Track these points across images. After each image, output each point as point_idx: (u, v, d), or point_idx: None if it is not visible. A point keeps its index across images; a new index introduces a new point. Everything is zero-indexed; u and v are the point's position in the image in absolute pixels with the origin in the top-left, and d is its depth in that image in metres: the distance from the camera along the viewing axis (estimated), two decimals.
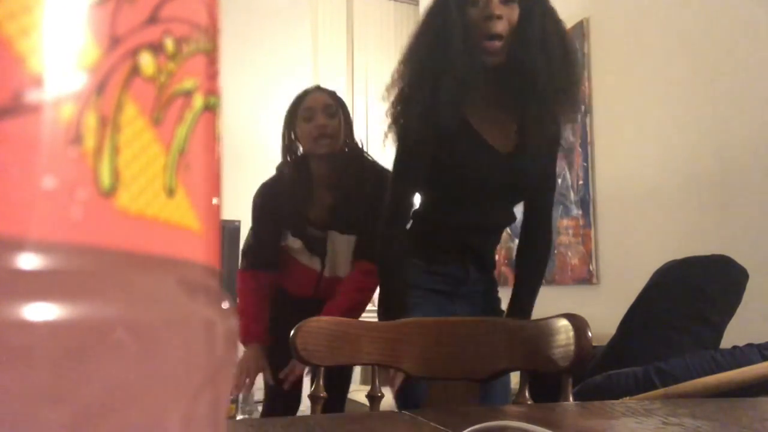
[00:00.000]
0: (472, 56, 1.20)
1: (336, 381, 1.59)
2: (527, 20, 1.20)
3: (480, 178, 1.28)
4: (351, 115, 1.78)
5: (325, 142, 1.63)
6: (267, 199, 1.74)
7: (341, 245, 1.71)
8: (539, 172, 1.35)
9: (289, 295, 1.78)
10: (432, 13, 1.28)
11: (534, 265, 1.44)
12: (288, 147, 1.72)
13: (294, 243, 1.72)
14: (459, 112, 1.24)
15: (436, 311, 1.31)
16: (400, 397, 1.24)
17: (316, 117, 1.64)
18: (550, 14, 1.26)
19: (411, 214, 1.38)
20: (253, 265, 1.74)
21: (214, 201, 0.16)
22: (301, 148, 1.71)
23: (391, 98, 1.30)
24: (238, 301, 1.75)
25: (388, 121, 1.31)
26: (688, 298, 1.42)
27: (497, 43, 1.19)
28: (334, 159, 1.67)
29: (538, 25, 1.20)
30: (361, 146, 1.77)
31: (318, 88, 1.75)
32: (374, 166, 1.72)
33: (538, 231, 1.46)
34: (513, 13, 1.20)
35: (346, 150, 1.71)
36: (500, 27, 1.19)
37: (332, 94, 1.73)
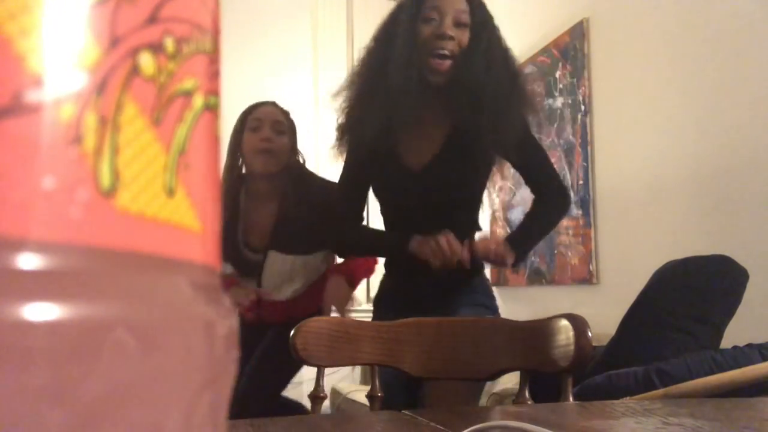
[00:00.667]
0: (412, 73, 1.24)
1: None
2: (475, 44, 1.25)
3: (398, 198, 1.36)
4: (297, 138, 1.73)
5: (266, 157, 1.58)
6: None
7: (283, 265, 1.65)
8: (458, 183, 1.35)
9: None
10: (383, 27, 1.33)
11: (543, 207, 1.44)
12: (230, 166, 1.66)
13: (225, 269, 1.64)
14: (387, 133, 1.27)
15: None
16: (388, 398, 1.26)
17: (263, 129, 1.60)
18: (498, 41, 1.31)
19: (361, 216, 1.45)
20: None
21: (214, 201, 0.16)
22: (243, 169, 1.66)
23: (339, 106, 1.36)
24: None
25: (335, 133, 1.37)
26: (688, 299, 1.42)
27: (446, 62, 1.24)
28: (273, 178, 1.63)
29: (484, 50, 1.26)
30: (303, 162, 1.72)
31: (272, 104, 1.71)
32: (316, 181, 1.68)
33: (543, 192, 1.45)
34: (464, 36, 1.25)
35: (288, 169, 1.66)
36: (450, 46, 1.24)
37: (285, 113, 1.69)
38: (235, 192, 1.66)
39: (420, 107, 1.28)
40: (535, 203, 1.46)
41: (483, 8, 1.29)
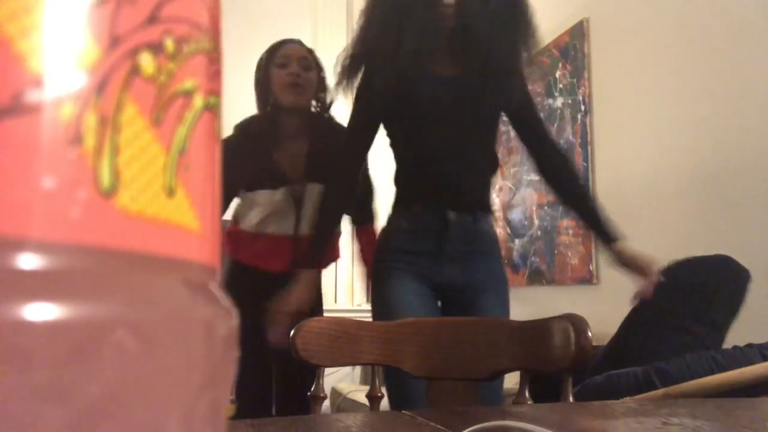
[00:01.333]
0: (431, 16, 1.32)
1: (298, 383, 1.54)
2: None
3: (429, 99, 1.35)
4: (326, 78, 1.76)
5: (296, 90, 1.62)
6: (229, 156, 1.69)
7: (314, 195, 1.63)
8: (497, 92, 1.39)
9: (255, 272, 1.65)
10: None
11: (569, 183, 1.49)
12: (263, 97, 1.70)
13: (262, 199, 1.63)
14: (420, 61, 1.33)
15: (420, 278, 1.33)
16: (394, 396, 1.24)
17: (291, 65, 1.65)
18: None
19: (364, 156, 1.47)
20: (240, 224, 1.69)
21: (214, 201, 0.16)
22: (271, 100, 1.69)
23: (351, 50, 1.41)
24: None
25: (344, 64, 1.41)
26: (690, 299, 1.42)
27: (449, 10, 1.31)
28: (303, 113, 1.67)
29: None
30: (332, 101, 1.75)
31: (298, 41, 1.75)
32: (341, 125, 1.70)
33: (544, 148, 1.47)
34: None
35: (317, 107, 1.71)
36: None
37: (311, 51, 1.74)
38: (276, 125, 1.68)
39: (438, 48, 1.35)
40: (555, 179, 1.49)
41: None
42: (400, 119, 1.40)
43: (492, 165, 1.46)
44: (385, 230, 1.45)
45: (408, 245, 1.36)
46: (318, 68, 1.74)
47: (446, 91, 1.35)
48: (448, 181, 1.36)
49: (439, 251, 1.36)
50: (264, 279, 1.61)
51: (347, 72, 1.41)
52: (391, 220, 1.43)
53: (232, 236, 1.71)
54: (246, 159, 1.64)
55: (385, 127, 1.45)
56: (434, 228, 1.36)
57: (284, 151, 1.67)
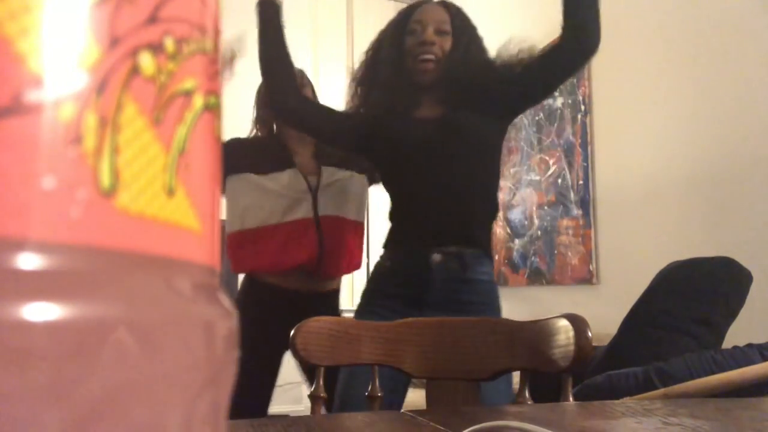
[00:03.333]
0: (401, 75, 1.38)
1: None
2: (456, 46, 1.38)
3: (408, 140, 1.36)
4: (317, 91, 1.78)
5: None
6: (238, 145, 1.66)
7: (328, 177, 1.62)
8: (480, 127, 1.38)
9: (277, 291, 1.59)
10: (374, 43, 1.49)
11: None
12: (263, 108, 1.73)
13: (270, 183, 1.58)
14: (397, 111, 1.39)
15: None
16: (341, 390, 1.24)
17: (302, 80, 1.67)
18: (478, 44, 1.43)
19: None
20: (251, 222, 1.62)
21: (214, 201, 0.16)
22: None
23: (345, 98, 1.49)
24: None
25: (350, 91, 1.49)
26: (691, 300, 1.42)
27: (430, 65, 1.36)
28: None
29: (464, 50, 1.38)
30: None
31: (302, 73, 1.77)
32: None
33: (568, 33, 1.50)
34: (446, 42, 1.38)
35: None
36: (433, 50, 1.36)
37: (301, 71, 1.74)
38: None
39: (413, 103, 1.40)
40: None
41: (462, 16, 1.43)
42: (383, 158, 1.42)
43: (490, 207, 1.40)
44: (373, 270, 1.41)
45: (390, 288, 1.32)
46: (310, 85, 1.75)
47: (426, 131, 1.35)
48: (434, 220, 1.31)
49: (419, 298, 1.29)
50: (285, 298, 1.57)
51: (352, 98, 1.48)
52: (379, 259, 1.40)
53: (243, 241, 1.61)
54: (249, 145, 1.65)
55: (375, 166, 1.49)
56: (415, 271, 1.30)
57: (293, 150, 1.67)
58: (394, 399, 1.24)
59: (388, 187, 1.43)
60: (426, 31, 1.37)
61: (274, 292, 1.59)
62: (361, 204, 1.73)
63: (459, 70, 1.36)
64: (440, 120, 1.35)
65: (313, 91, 1.76)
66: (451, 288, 1.28)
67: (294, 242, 1.57)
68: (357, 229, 1.70)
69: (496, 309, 1.32)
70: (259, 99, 1.75)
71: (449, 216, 1.31)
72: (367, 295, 1.37)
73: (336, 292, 1.71)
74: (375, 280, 1.37)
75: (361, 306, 1.37)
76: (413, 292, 1.29)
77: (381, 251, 1.41)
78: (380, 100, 1.40)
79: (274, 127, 1.71)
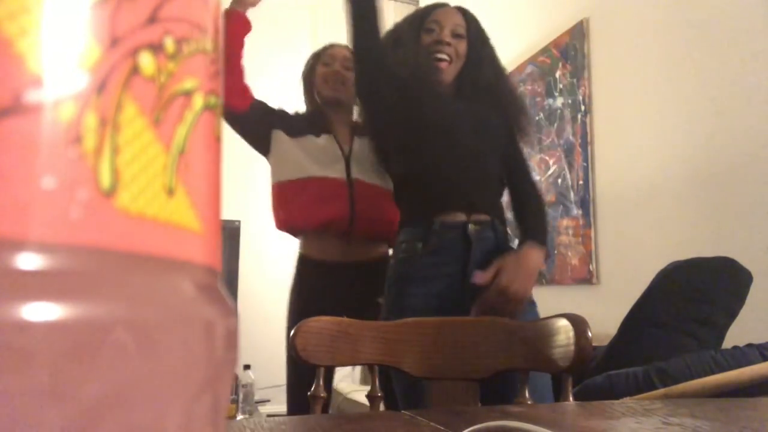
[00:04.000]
0: (419, 68, 1.39)
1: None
2: (472, 54, 1.42)
3: (436, 109, 1.37)
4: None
5: (337, 85, 1.71)
6: (282, 111, 1.72)
7: (362, 145, 1.63)
8: (503, 116, 1.42)
9: (325, 266, 1.60)
10: (390, 35, 1.48)
11: (528, 198, 1.40)
12: (309, 92, 1.79)
13: (306, 143, 1.62)
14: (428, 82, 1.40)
15: (440, 309, 1.20)
16: (402, 399, 1.22)
17: (334, 64, 1.73)
18: (493, 56, 1.47)
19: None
20: (289, 174, 1.65)
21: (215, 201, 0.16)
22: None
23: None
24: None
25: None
26: (691, 300, 1.42)
27: (444, 63, 1.38)
28: (346, 108, 1.74)
29: (479, 55, 1.43)
30: None
31: (344, 46, 1.82)
32: None
33: (523, 185, 1.43)
34: (460, 45, 1.41)
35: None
36: (448, 50, 1.39)
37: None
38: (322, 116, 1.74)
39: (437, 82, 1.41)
40: (521, 202, 1.41)
41: (477, 24, 1.46)
42: (407, 128, 1.38)
43: (502, 181, 1.42)
44: (397, 254, 1.33)
45: (429, 270, 1.25)
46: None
47: (453, 105, 1.39)
48: (465, 188, 1.30)
49: (462, 273, 1.25)
50: (332, 273, 1.58)
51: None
52: (404, 241, 1.31)
53: (280, 194, 1.64)
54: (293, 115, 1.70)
55: (390, 142, 1.44)
56: (456, 246, 1.26)
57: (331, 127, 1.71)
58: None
59: (409, 162, 1.38)
60: (443, 31, 1.40)
61: (320, 269, 1.61)
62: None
63: (475, 74, 1.40)
64: (467, 101, 1.40)
65: None
66: (489, 259, 1.26)
67: (326, 199, 1.58)
68: (389, 195, 1.63)
69: None
70: (306, 80, 1.80)
71: (478, 184, 1.33)
72: (399, 284, 1.28)
73: (383, 261, 1.62)
74: (406, 266, 1.28)
75: (394, 295, 1.27)
76: (455, 269, 1.25)
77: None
78: (408, 71, 1.39)
79: (317, 99, 1.76)
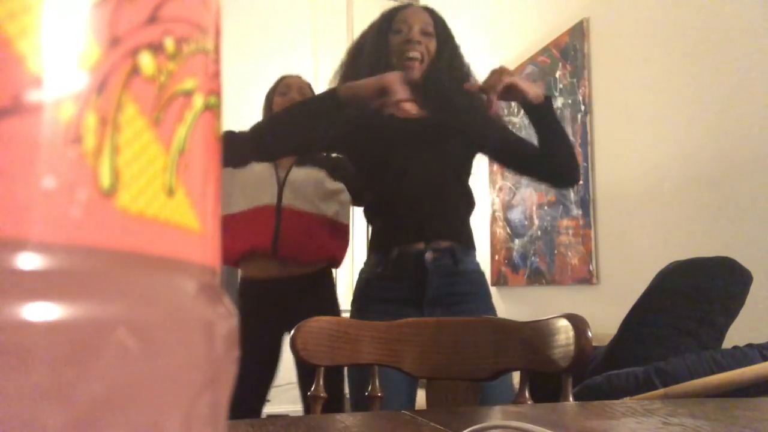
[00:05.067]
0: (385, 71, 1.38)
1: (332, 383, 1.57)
2: (441, 52, 1.41)
3: (393, 138, 1.37)
4: None
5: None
6: (230, 134, 1.77)
7: (301, 174, 1.75)
8: (460, 130, 1.41)
9: (253, 280, 1.75)
10: (356, 44, 1.50)
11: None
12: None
13: (244, 174, 1.72)
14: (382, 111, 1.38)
15: None
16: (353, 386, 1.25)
17: (290, 93, 1.81)
18: (457, 50, 1.46)
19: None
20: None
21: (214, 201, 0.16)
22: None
23: None
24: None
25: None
26: (691, 300, 1.42)
27: (416, 63, 1.38)
28: None
29: (449, 59, 1.42)
30: None
31: (297, 76, 1.92)
32: None
33: (533, 151, 1.43)
34: (430, 43, 1.40)
35: None
36: (419, 49, 1.39)
37: (308, 84, 1.92)
38: None
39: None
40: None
41: (444, 23, 1.46)
42: (366, 156, 1.41)
43: (467, 202, 1.42)
44: (361, 275, 1.40)
45: (385, 293, 1.32)
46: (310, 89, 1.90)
47: (409, 129, 1.38)
48: (420, 217, 1.32)
49: (418, 298, 1.30)
50: (263, 288, 1.72)
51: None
52: (367, 265, 1.39)
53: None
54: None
55: (356, 166, 1.48)
56: (412, 274, 1.31)
57: None
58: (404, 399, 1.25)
59: (371, 186, 1.43)
60: (412, 30, 1.39)
61: (256, 286, 1.75)
62: (340, 204, 1.82)
63: (444, 74, 1.39)
64: (423, 119, 1.39)
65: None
66: (447, 282, 1.31)
67: (250, 228, 1.71)
68: (327, 223, 1.78)
69: (487, 296, 1.37)
70: (266, 104, 1.88)
71: (435, 212, 1.34)
72: (360, 300, 1.36)
73: (320, 273, 1.78)
74: (367, 287, 1.36)
75: (356, 312, 1.36)
76: (411, 294, 1.31)
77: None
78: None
79: None
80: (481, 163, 1.58)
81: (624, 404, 0.73)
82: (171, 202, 0.14)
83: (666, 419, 0.61)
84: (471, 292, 1.33)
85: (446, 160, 1.37)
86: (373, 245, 1.39)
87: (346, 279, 3.84)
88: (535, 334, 0.94)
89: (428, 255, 1.30)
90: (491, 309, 1.37)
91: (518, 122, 3.13)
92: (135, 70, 0.13)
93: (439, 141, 1.37)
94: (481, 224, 3.47)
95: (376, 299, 1.32)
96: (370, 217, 1.43)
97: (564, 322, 0.90)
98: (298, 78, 1.91)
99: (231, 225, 1.71)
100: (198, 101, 0.15)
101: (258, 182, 1.73)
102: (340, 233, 1.82)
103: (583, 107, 2.79)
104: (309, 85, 1.90)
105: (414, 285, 1.30)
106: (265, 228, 1.70)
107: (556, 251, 2.94)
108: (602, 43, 2.73)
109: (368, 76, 1.33)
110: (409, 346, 1.02)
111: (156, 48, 0.14)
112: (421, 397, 1.19)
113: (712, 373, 1.15)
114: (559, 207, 2.91)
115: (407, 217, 1.33)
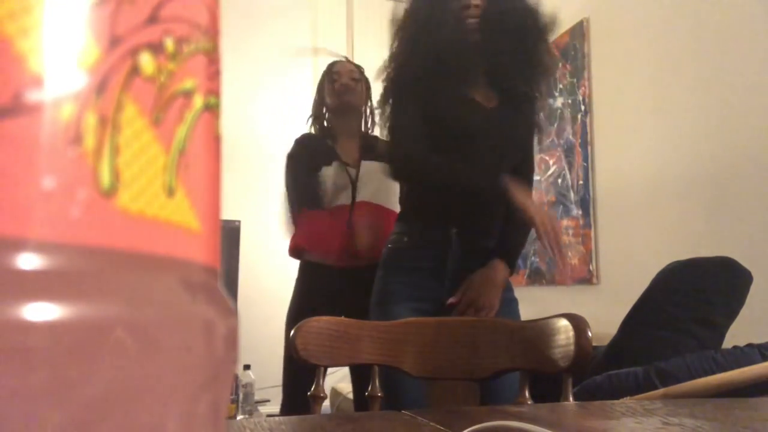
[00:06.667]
0: (452, 31, 1.35)
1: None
2: (494, 4, 1.37)
3: (464, 128, 1.36)
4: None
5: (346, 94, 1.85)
6: (299, 146, 1.87)
7: (374, 167, 1.79)
8: (521, 133, 1.42)
9: (320, 268, 1.79)
10: (406, 17, 1.44)
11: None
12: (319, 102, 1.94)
13: (326, 173, 1.79)
14: (460, 88, 1.37)
15: (419, 301, 1.31)
16: (392, 397, 1.24)
17: (341, 78, 1.87)
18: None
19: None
20: (305, 206, 1.81)
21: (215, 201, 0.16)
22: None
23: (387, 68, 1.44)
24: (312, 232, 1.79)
25: (382, 81, 1.44)
26: (691, 300, 1.42)
27: (475, 21, 1.35)
28: (354, 114, 1.89)
29: (502, 9, 1.37)
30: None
31: (347, 60, 2.00)
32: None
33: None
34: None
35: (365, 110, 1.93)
36: (475, 12, 1.35)
37: (358, 66, 1.99)
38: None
39: (470, 61, 1.38)
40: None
41: None
42: (433, 139, 1.38)
43: (505, 204, 1.40)
44: (388, 246, 1.43)
45: (411, 262, 1.36)
46: (366, 82, 1.95)
47: (484, 119, 1.38)
48: (462, 208, 1.35)
49: (440, 268, 1.35)
50: (333, 275, 1.76)
51: (389, 95, 1.43)
52: (394, 235, 1.42)
53: (304, 221, 1.82)
54: (313, 145, 1.86)
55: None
56: (436, 244, 1.35)
57: (339, 146, 1.86)
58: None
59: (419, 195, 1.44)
60: None
61: (321, 270, 1.79)
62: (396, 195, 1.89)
63: (500, 19, 1.36)
64: (494, 111, 1.39)
65: (368, 88, 1.95)
66: (469, 257, 1.35)
67: (335, 226, 1.77)
68: (392, 216, 1.80)
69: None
70: (317, 97, 1.95)
71: (478, 206, 1.36)
72: (384, 268, 1.39)
73: (371, 267, 1.78)
74: (393, 254, 1.39)
75: (379, 279, 1.39)
76: (433, 264, 1.35)
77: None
78: (441, 82, 1.35)
79: (325, 122, 1.93)
80: None
81: (624, 404, 0.73)
82: (171, 202, 0.14)
83: (666, 419, 0.61)
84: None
85: (506, 155, 1.40)
86: (402, 217, 1.43)
87: None
88: (535, 334, 0.94)
89: (454, 231, 1.35)
90: (509, 288, 1.42)
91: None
92: (135, 70, 0.13)
93: (507, 134, 1.38)
94: None
95: (402, 269, 1.35)
96: (407, 196, 1.46)
97: (564, 322, 0.90)
98: (347, 63, 1.94)
99: (319, 219, 1.78)
100: (198, 101, 0.15)
101: (335, 182, 1.79)
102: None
103: (583, 107, 2.79)
104: (359, 68, 1.94)
105: (437, 255, 1.35)
106: (343, 225, 1.77)
107: None
108: (602, 43, 2.73)
109: (428, 43, 1.33)
110: (409, 346, 1.02)
111: (156, 48, 0.14)
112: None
113: (712, 373, 1.15)
114: (559, 207, 2.91)
115: (447, 204, 1.36)
